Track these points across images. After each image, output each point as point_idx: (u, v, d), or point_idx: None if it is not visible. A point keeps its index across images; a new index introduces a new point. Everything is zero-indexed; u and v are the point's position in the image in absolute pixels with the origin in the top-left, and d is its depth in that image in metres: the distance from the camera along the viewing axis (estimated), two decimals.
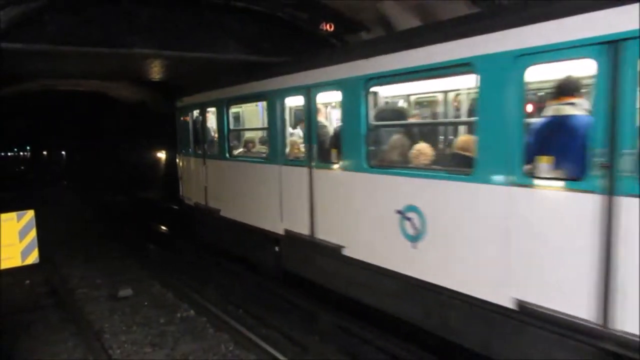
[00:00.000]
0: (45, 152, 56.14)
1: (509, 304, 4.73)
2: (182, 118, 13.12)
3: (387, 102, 7.81)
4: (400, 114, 7.48)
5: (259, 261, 9.73)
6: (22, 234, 4.45)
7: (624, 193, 3.88)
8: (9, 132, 46.13)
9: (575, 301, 4.21)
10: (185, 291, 9.54)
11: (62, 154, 43.44)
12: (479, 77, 4.92)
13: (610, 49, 3.92)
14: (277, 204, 8.46)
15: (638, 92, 3.80)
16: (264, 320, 8.29)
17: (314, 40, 11.58)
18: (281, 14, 11.41)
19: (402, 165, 6.25)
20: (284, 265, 8.84)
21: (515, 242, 4.67)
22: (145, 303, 9.45)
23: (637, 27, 3.72)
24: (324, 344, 7.25)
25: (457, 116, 7.75)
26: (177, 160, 13.93)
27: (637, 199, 3.81)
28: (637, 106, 3.80)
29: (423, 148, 6.23)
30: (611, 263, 3.99)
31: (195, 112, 12.10)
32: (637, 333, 3.83)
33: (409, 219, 5.86)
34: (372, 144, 6.59)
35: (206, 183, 11.39)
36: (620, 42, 3.85)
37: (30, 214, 4.50)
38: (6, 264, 4.43)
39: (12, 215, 4.43)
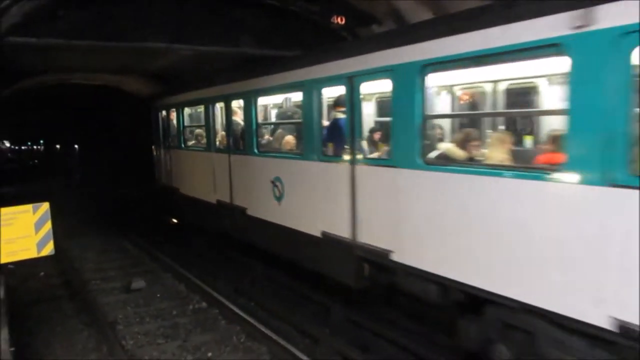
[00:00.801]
0: (58, 146, 56.60)
1: (319, 234, 7.59)
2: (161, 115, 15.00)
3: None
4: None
5: (204, 221, 12.36)
6: (38, 226, 4.51)
7: (359, 164, 6.76)
8: (23, 126, 46.59)
9: (343, 227, 7.05)
10: (197, 283, 9.61)
11: (75, 148, 43.78)
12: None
13: (348, 81, 6.88)
14: (212, 182, 11.14)
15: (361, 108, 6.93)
16: (276, 313, 8.34)
17: (326, 33, 11.53)
18: (293, 7, 11.37)
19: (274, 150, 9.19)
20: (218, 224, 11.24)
21: (325, 195, 7.43)
22: (158, 295, 9.56)
23: (349, 71, 6.82)
24: (335, 337, 7.28)
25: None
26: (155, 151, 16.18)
27: (362, 166, 6.68)
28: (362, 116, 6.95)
29: (289, 139, 9.08)
30: (356, 204, 6.85)
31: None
32: (372, 243, 6.58)
33: (276, 185, 8.53)
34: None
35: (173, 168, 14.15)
36: (353, 77, 6.77)
37: (45, 206, 4.56)
38: (22, 255, 4.50)
39: (28, 207, 4.49)
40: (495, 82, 7.26)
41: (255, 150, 9.23)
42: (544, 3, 4.52)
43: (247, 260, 11.09)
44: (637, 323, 3.81)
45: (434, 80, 5.92)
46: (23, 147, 77.11)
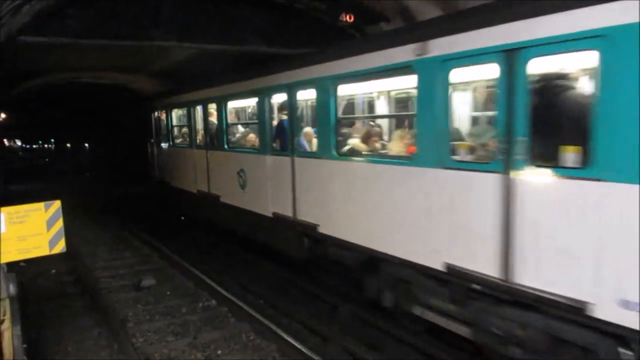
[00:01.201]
0: (68, 145, 57.01)
1: (271, 215, 9.24)
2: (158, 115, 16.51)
3: None
4: None
5: (184, 207, 14.80)
6: (50, 223, 4.55)
7: (297, 156, 8.40)
8: (34, 125, 47.00)
9: (287, 207, 8.70)
10: (206, 281, 9.65)
11: (85, 146, 44.17)
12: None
13: (288, 89, 8.57)
14: (194, 175, 13.07)
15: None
16: (284, 311, 8.37)
17: (333, 31, 11.52)
18: (299, 5, 11.37)
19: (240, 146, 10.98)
20: (200, 211, 13.25)
21: (275, 182, 9.11)
22: (168, 293, 9.61)
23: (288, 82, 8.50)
24: (344, 335, 7.29)
25: None
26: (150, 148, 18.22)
27: (299, 158, 8.36)
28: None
29: (251, 136, 10.71)
30: (295, 188, 8.50)
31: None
32: (306, 219, 8.25)
33: (241, 176, 10.24)
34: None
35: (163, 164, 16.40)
36: (291, 87, 8.47)
37: (57, 204, 4.60)
38: (35, 253, 4.54)
39: (40, 205, 4.53)
40: (386, 92, 8.89)
41: (226, 146, 11.11)
42: (404, 36, 6.25)
43: (255, 258, 11.12)
44: (460, 265, 5.47)
45: (343, 91, 7.83)
46: (34, 146, 77.72)
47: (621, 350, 4.48)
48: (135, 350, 6.94)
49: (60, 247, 4.67)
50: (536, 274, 4.77)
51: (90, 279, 10.25)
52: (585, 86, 4.92)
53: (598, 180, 4.19)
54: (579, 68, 4.99)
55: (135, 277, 10.43)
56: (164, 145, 15.95)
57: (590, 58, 4.29)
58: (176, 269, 10.95)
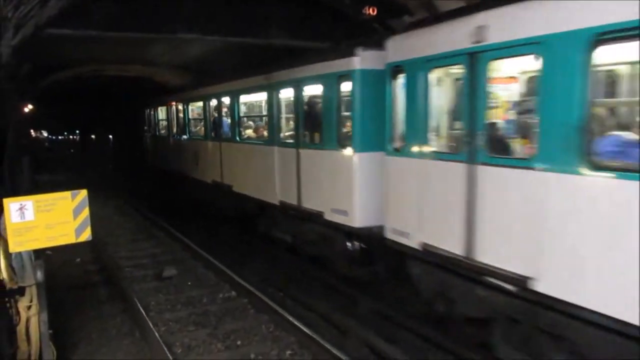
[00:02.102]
0: (93, 136, 57.83)
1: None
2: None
3: None
4: None
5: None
6: (76, 212, 4.64)
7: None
8: (60, 117, 47.80)
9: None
10: (226, 272, 9.73)
11: (110, 138, 44.74)
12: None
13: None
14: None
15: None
16: (304, 303, 8.40)
17: (357, 25, 11.47)
18: None
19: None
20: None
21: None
22: (189, 283, 9.73)
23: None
24: (363, 328, 7.29)
25: None
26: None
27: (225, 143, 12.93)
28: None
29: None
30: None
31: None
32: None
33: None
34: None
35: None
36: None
37: (83, 193, 4.68)
38: (62, 241, 4.64)
39: (67, 194, 4.62)
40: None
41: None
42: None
43: (274, 251, 11.18)
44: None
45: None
46: (60, 137, 78.99)
47: (348, 242, 8.35)
48: (157, 339, 7.04)
49: (86, 235, 4.76)
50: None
51: (113, 268, 10.42)
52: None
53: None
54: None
55: (157, 267, 10.58)
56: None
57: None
58: (197, 260, 11.08)
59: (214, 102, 13.66)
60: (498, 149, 5.45)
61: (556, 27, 4.49)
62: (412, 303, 7.79)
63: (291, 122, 10.14)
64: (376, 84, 7.41)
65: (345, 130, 8.25)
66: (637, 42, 4.04)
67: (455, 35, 5.69)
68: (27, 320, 5.08)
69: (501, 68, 5.78)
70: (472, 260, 5.55)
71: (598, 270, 4.24)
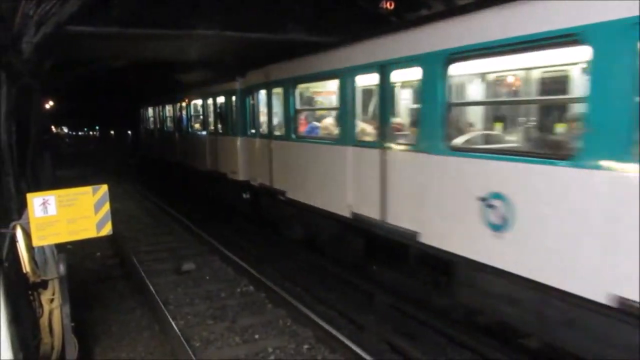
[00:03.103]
0: (112, 132, 58.51)
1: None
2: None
3: None
4: None
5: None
6: (97, 206, 4.70)
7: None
8: (80, 112, 48.44)
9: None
10: (244, 267, 9.79)
11: (129, 134, 45.22)
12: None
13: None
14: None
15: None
16: (321, 298, 8.42)
17: (374, 19, 11.40)
18: None
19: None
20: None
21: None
22: (207, 277, 9.81)
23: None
24: (381, 324, 7.28)
25: None
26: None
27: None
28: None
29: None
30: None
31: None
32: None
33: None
34: None
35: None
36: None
37: (104, 188, 4.74)
38: (83, 235, 4.71)
39: (88, 189, 4.69)
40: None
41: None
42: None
43: (292, 246, 11.20)
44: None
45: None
46: (80, 133, 80.00)
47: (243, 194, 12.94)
48: (176, 333, 7.11)
49: (107, 229, 4.82)
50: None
51: (132, 262, 10.55)
52: None
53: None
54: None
55: (175, 261, 10.68)
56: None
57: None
58: (215, 254, 11.16)
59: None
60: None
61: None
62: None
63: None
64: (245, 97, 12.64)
65: (233, 123, 13.52)
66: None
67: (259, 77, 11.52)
68: (50, 313, 5.17)
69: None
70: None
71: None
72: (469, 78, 6.98)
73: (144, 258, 11.01)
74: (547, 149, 5.63)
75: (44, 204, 4.50)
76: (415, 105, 7.40)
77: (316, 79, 9.49)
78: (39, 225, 4.51)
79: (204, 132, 16.26)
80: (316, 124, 9.82)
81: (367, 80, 7.61)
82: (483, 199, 5.42)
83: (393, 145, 6.96)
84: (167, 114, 21.71)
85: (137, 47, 14.71)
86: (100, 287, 9.30)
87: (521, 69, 6.58)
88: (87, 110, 45.55)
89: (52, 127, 43.03)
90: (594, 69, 4.29)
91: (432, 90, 6.06)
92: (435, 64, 5.93)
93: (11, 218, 5.72)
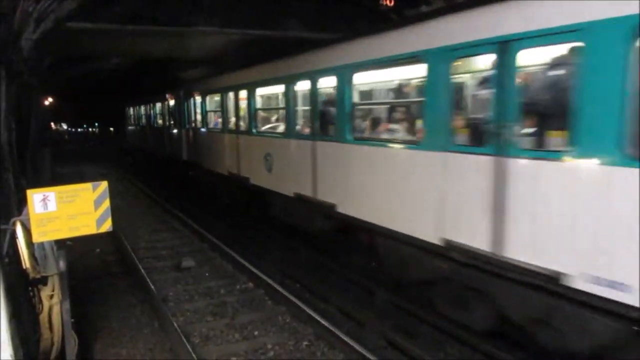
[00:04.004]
0: (112, 129, 58.44)
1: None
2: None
3: None
4: None
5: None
6: (97, 203, 4.71)
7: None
8: (79, 109, 48.40)
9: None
10: (243, 264, 9.80)
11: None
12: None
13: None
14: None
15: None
16: (321, 295, 8.43)
17: (374, 15, 11.40)
18: None
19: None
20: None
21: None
22: (207, 274, 9.82)
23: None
24: (380, 321, 7.30)
25: None
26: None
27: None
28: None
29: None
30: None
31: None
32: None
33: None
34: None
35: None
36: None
37: (104, 184, 4.75)
38: (83, 231, 4.71)
39: (88, 185, 4.69)
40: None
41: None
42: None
43: (293, 243, 11.22)
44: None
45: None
46: (79, 130, 79.87)
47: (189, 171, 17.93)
48: (176, 329, 7.12)
49: (107, 226, 4.82)
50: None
51: (132, 258, 10.55)
52: None
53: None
54: None
55: (175, 258, 10.70)
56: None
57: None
58: (215, 251, 11.17)
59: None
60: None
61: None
62: None
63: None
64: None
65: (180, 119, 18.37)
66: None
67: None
68: (50, 309, 5.18)
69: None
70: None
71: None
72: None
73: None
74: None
75: (44, 200, 4.50)
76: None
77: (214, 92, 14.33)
78: (39, 221, 4.52)
79: (163, 126, 21.99)
80: (219, 120, 14.48)
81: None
82: None
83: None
84: (142, 113, 27.69)
85: (136, 44, 14.72)
86: (100, 284, 9.30)
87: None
88: (86, 107, 45.51)
89: (52, 123, 42.96)
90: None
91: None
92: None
93: (11, 214, 5.72)
